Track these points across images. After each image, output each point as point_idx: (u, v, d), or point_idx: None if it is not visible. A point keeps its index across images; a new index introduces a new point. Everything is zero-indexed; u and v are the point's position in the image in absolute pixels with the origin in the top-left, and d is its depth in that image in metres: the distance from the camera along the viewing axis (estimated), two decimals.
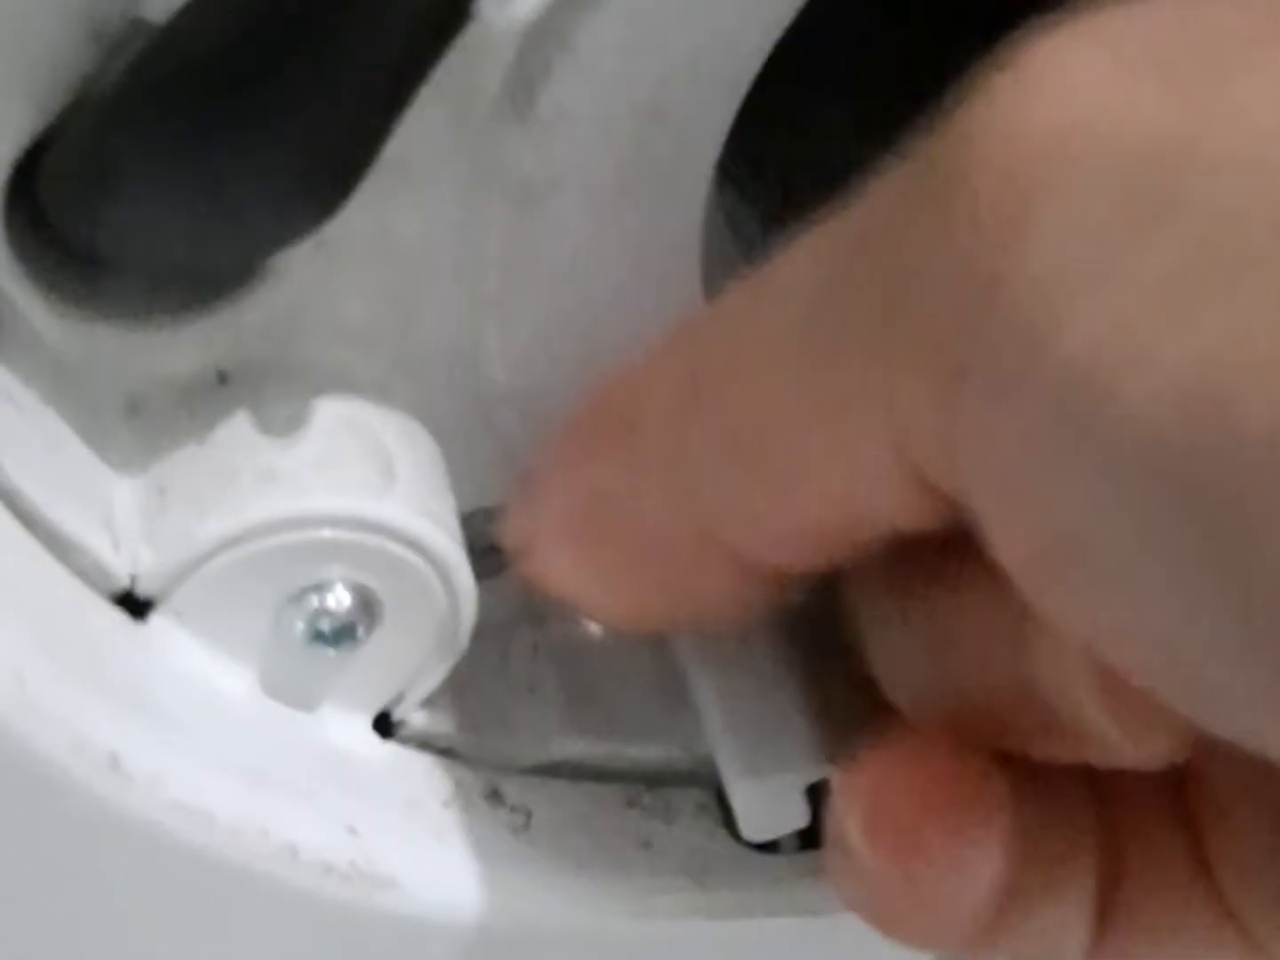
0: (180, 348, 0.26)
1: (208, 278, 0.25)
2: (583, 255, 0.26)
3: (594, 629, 0.29)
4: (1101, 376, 0.17)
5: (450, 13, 0.23)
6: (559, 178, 0.26)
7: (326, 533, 0.25)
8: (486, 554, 0.29)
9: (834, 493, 0.21)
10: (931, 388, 0.19)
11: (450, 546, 0.26)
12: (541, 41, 0.25)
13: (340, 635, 0.26)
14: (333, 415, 0.26)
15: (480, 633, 0.27)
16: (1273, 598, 0.17)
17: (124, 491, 0.25)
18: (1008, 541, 0.20)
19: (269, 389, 0.26)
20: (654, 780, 0.29)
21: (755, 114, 0.27)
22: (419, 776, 0.27)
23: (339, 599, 0.25)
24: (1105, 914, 0.25)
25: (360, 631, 0.26)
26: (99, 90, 0.23)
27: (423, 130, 0.25)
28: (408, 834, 0.26)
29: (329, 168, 0.24)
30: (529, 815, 0.27)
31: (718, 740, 0.28)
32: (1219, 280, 0.16)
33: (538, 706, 0.29)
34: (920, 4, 0.32)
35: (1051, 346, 0.18)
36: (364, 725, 0.27)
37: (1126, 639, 0.19)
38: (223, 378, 0.26)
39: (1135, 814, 0.25)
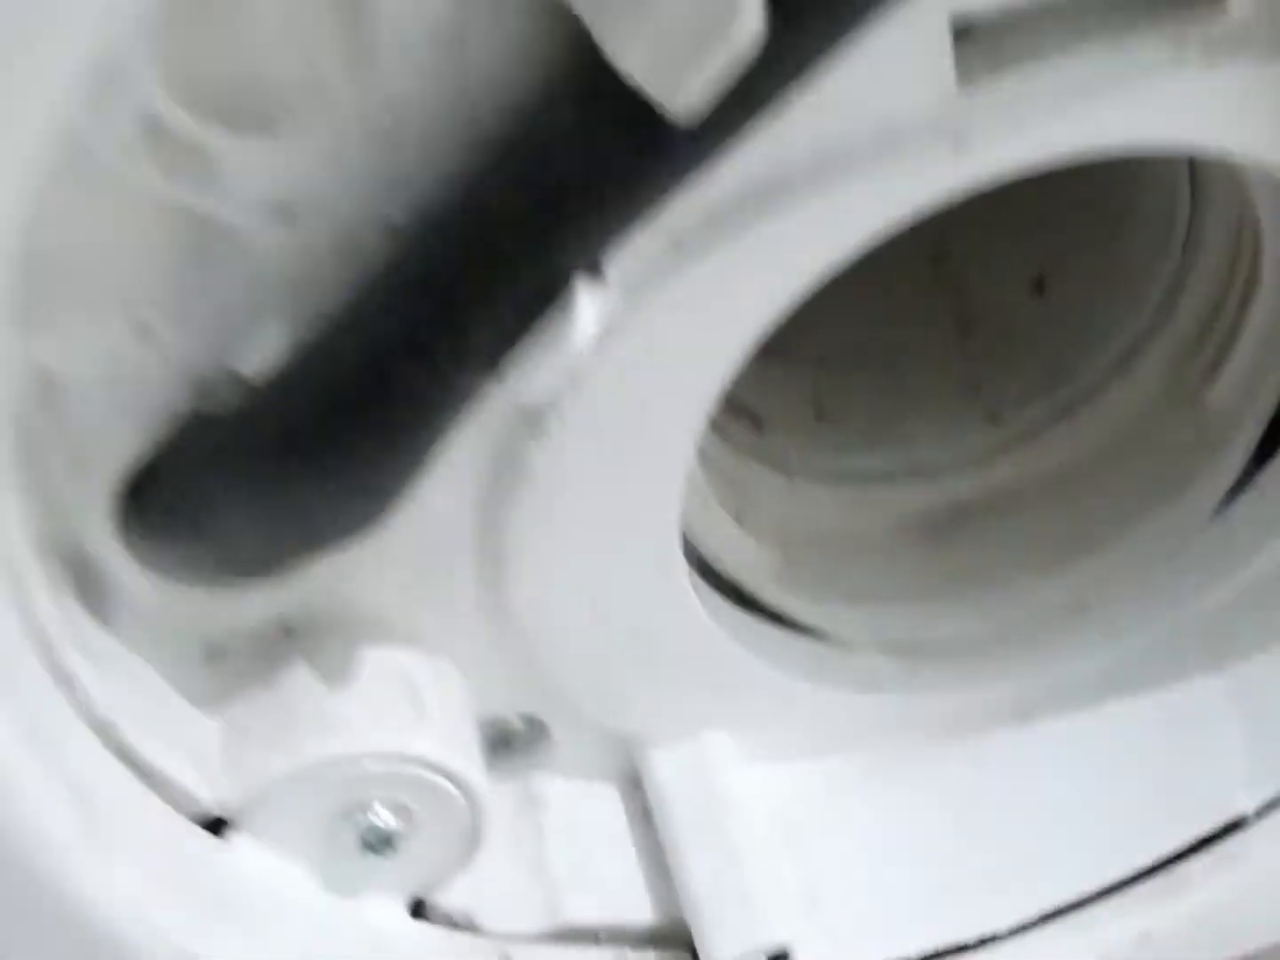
0: (248, 606, 0.32)
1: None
2: (580, 530, 0.32)
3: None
4: None
5: (469, 393, 0.28)
6: (565, 480, 0.31)
7: (369, 765, 0.31)
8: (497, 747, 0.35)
9: None
10: None
11: (469, 768, 0.32)
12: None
13: (382, 843, 0.32)
14: (375, 662, 0.32)
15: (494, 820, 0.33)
16: None
17: (205, 729, 0.31)
18: None
19: (325, 639, 0.32)
20: (639, 941, 0.35)
21: None
22: (443, 950, 0.33)
23: (381, 815, 0.32)
24: None
25: (397, 839, 0.32)
26: (193, 427, 0.29)
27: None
28: None
29: (373, 500, 0.29)
30: None
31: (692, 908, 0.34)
32: None
33: (546, 880, 0.35)
34: None
35: None
36: (399, 908, 0.33)
37: None
38: (288, 630, 0.32)
39: None
